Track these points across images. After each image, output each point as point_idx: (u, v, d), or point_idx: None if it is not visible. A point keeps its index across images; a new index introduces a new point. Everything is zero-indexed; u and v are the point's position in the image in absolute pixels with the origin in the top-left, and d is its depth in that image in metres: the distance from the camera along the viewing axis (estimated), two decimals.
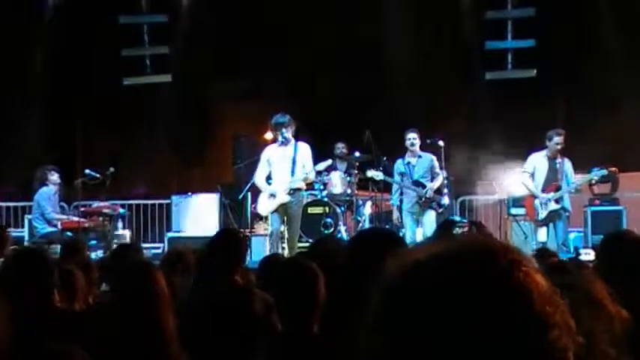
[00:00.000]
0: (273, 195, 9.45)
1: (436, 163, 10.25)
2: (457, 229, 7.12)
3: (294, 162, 9.46)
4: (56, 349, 1.86)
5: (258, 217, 11.63)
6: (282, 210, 9.44)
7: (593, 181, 10.60)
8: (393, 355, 1.01)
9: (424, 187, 10.08)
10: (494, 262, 1.02)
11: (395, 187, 10.33)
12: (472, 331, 0.97)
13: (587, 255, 8.70)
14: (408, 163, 10.22)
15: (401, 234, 9.83)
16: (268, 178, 9.64)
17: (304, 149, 9.55)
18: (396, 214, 10.41)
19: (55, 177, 10.58)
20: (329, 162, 10.04)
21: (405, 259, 1.06)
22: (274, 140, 9.70)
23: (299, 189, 9.55)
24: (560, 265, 3.32)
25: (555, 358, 0.99)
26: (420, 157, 10.22)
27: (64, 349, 1.87)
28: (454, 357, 0.97)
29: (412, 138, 10.16)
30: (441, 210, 10.18)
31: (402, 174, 10.21)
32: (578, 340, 1.02)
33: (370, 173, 10.37)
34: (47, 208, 10.41)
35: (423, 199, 10.05)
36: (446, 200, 10.33)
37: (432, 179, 10.16)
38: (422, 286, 1.01)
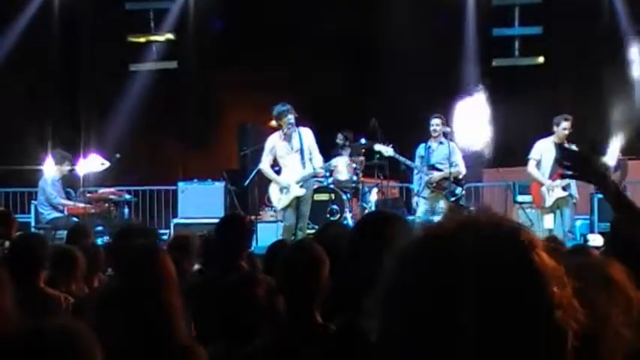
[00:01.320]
0: (286, 188, 9.42)
1: (457, 153, 10.22)
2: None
3: (301, 152, 9.44)
4: (62, 326, 1.85)
5: (264, 204, 11.62)
6: (295, 201, 9.43)
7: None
8: (400, 329, 1.01)
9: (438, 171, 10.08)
10: (515, 241, 1.04)
11: (415, 170, 10.34)
12: (486, 303, 0.99)
13: (594, 241, 8.67)
14: (429, 147, 10.24)
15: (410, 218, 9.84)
16: (272, 166, 9.63)
17: (308, 136, 9.52)
18: (415, 199, 10.44)
19: (66, 167, 10.55)
20: (338, 158, 10.47)
21: (423, 232, 1.08)
22: (279, 128, 9.62)
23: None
24: (578, 248, 3.32)
25: (556, 338, 1.01)
26: (441, 143, 10.20)
27: (71, 326, 1.85)
28: (461, 329, 0.98)
29: (435, 124, 10.18)
30: (453, 199, 10.10)
31: (421, 157, 10.24)
32: (581, 319, 1.04)
33: (378, 147, 10.32)
34: (53, 194, 10.40)
35: (434, 183, 10.04)
36: (460, 190, 10.26)
37: (451, 166, 10.09)
38: (437, 257, 1.03)
